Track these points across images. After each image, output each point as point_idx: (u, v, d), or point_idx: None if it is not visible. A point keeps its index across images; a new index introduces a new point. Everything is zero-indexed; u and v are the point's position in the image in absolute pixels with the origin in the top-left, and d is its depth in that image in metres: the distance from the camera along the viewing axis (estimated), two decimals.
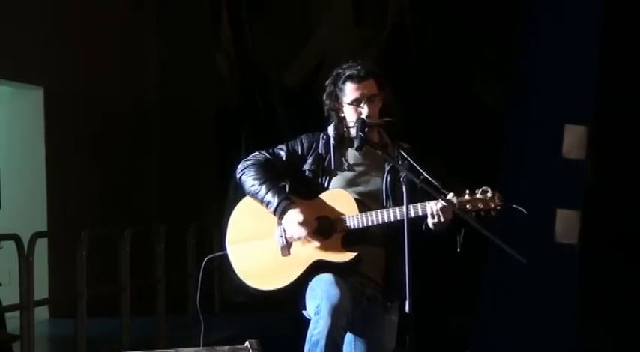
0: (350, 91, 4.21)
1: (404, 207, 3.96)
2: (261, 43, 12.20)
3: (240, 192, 4.32)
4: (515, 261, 4.01)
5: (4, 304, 7.60)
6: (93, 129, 11.14)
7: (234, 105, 12.66)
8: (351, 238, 4.11)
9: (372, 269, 4.17)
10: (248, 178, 4.22)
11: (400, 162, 4.15)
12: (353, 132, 4.21)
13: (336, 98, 4.25)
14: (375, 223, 4.09)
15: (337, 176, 4.22)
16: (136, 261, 8.30)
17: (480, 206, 4.01)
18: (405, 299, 3.89)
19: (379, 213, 4.08)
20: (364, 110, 4.19)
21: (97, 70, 11.25)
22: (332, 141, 4.24)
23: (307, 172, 4.24)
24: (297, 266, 4.12)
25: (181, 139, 12.53)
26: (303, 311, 4.18)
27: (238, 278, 4.19)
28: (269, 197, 4.15)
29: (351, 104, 4.21)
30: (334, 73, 4.28)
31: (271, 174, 4.22)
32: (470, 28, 11.60)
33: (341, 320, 3.94)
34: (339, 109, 4.26)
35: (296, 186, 4.24)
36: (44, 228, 9.98)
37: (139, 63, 12.24)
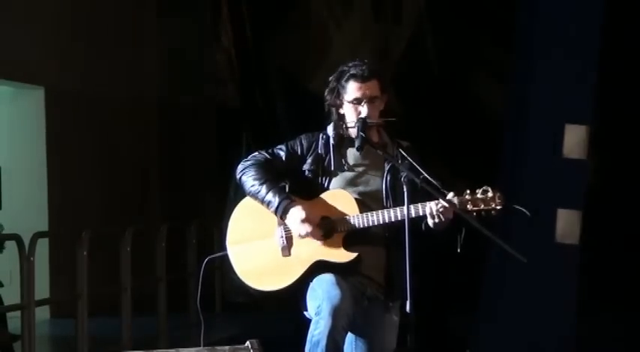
0: (352, 90, 4.21)
1: (405, 207, 3.96)
2: (262, 42, 12.20)
3: (240, 192, 4.32)
4: (516, 260, 4.01)
5: (5, 304, 7.60)
6: (94, 128, 11.14)
7: (234, 104, 12.65)
8: (351, 238, 4.11)
9: (372, 269, 4.16)
10: (248, 178, 4.22)
11: (400, 162, 4.15)
12: (352, 131, 4.21)
13: (337, 95, 4.25)
14: (376, 223, 4.09)
15: (337, 176, 4.22)
16: (137, 261, 8.30)
17: (481, 206, 4.01)
18: (406, 299, 3.88)
19: (380, 213, 4.08)
20: (363, 110, 4.19)
21: (98, 69, 11.25)
22: (331, 141, 4.24)
23: (307, 172, 4.24)
24: (297, 266, 4.12)
25: (182, 139, 12.53)
26: (304, 312, 4.18)
27: (239, 278, 4.19)
28: (270, 196, 4.15)
29: (352, 102, 4.21)
30: (339, 70, 4.28)
31: (271, 174, 4.22)
32: (470, 28, 11.59)
33: (342, 321, 3.94)
34: (339, 106, 4.26)
35: (296, 187, 4.24)
36: (45, 228, 9.98)
37: (140, 62, 12.24)
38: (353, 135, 4.20)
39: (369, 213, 4.09)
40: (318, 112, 4.41)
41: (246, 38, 12.33)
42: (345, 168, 4.24)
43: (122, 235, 8.18)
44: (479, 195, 4.02)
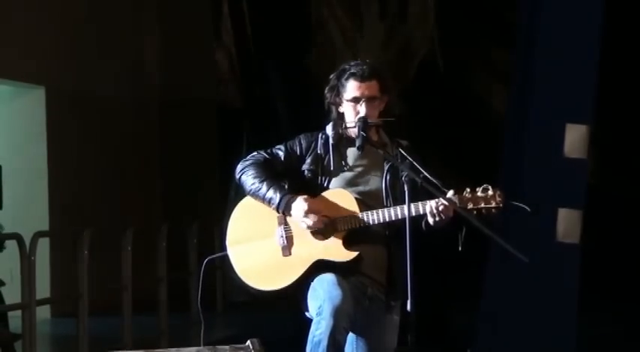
0: (351, 89, 4.22)
1: (405, 206, 3.96)
2: (262, 42, 12.20)
3: (241, 192, 4.32)
4: (517, 260, 4.01)
5: (6, 303, 7.61)
6: (94, 128, 11.15)
7: (235, 104, 12.66)
8: (352, 238, 4.11)
9: (373, 268, 4.16)
10: (248, 177, 4.22)
11: (400, 161, 4.15)
12: (352, 131, 4.21)
13: (337, 93, 4.25)
14: (376, 222, 4.09)
15: (337, 176, 4.22)
16: (138, 261, 8.30)
17: (481, 204, 4.01)
18: (407, 298, 3.88)
19: (380, 212, 4.08)
20: (362, 110, 4.19)
21: (98, 69, 11.25)
22: (331, 141, 4.24)
23: (306, 172, 4.24)
24: (298, 266, 4.12)
25: (183, 138, 12.54)
26: (305, 313, 4.17)
27: (239, 278, 4.19)
28: (270, 193, 4.15)
29: (350, 101, 4.22)
30: (340, 68, 4.28)
31: (271, 172, 4.22)
32: (470, 27, 11.59)
33: (343, 321, 3.94)
34: (338, 104, 4.27)
35: (295, 187, 4.23)
36: (46, 227, 9.99)
37: (140, 61, 12.24)
38: (353, 135, 4.20)
39: (369, 212, 4.09)
40: (318, 112, 4.41)
41: (246, 37, 12.33)
42: (345, 167, 4.24)
43: (123, 234, 8.19)
44: (479, 194, 4.03)
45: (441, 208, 3.99)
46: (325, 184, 4.22)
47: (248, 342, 3.82)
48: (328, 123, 4.28)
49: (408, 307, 3.88)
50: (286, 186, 4.23)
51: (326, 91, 4.29)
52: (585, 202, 7.34)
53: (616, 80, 9.72)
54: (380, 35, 12.15)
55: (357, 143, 4.13)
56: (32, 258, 6.91)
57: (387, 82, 4.27)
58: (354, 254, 4.08)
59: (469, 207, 4.01)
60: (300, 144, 4.28)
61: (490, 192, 4.02)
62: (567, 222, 7.26)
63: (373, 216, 4.08)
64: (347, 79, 4.22)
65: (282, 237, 4.16)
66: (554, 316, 7.24)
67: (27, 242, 6.95)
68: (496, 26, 11.17)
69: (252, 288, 4.16)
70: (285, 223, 4.16)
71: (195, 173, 12.57)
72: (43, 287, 8.28)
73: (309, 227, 4.10)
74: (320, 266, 4.09)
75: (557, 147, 7.29)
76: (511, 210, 4.08)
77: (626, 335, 8.33)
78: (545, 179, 7.32)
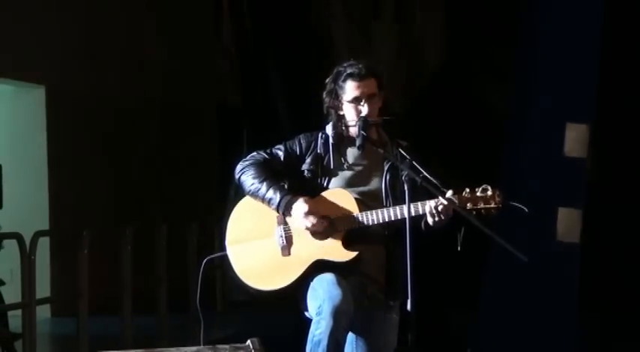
0: (350, 89, 4.21)
1: (405, 206, 3.96)
2: (263, 41, 12.20)
3: (241, 192, 4.32)
4: (517, 259, 4.01)
5: (6, 303, 7.61)
6: (94, 127, 11.14)
7: (235, 103, 12.66)
8: (351, 237, 4.11)
9: (373, 268, 4.17)
10: (248, 177, 4.22)
11: (400, 161, 4.15)
12: (352, 130, 4.21)
13: (335, 96, 4.25)
14: (376, 222, 4.09)
15: (336, 176, 4.22)
16: (138, 260, 8.30)
17: (480, 204, 4.01)
18: (407, 298, 3.88)
19: (380, 212, 4.08)
20: (364, 109, 4.19)
21: (99, 68, 11.25)
22: (331, 141, 4.24)
23: (306, 172, 4.24)
24: (297, 266, 4.11)
25: (183, 137, 12.54)
26: (305, 312, 4.17)
27: (238, 277, 4.19)
28: (270, 194, 4.15)
29: (351, 102, 4.21)
30: (335, 71, 4.28)
31: (271, 172, 4.22)
32: (470, 26, 11.59)
33: (343, 321, 3.94)
34: (338, 107, 4.26)
35: (295, 187, 4.23)
36: (46, 226, 9.98)
37: (141, 61, 12.24)
38: (353, 135, 4.20)
39: (368, 212, 4.09)
40: (318, 112, 4.41)
41: (247, 37, 12.33)
42: (345, 167, 4.24)
43: (123, 234, 8.19)
44: (478, 194, 4.03)
45: (440, 208, 3.99)
46: (325, 184, 4.22)
47: (248, 342, 3.82)
48: (328, 123, 4.29)
49: (408, 307, 3.88)
50: (286, 186, 4.23)
51: (324, 95, 4.29)
52: (585, 201, 7.35)
53: (617, 80, 9.72)
54: (381, 35, 12.15)
55: (357, 142, 4.13)
56: (32, 257, 6.92)
57: (382, 79, 4.28)
58: (353, 254, 4.08)
59: (468, 207, 4.01)
60: (300, 144, 4.27)
61: (489, 192, 4.03)
62: (567, 221, 7.27)
63: (372, 216, 4.08)
64: (344, 81, 4.22)
65: (281, 236, 4.16)
66: (553, 315, 7.25)
67: (27, 241, 6.95)
68: (497, 26, 11.18)
69: (252, 288, 4.16)
70: (285, 223, 4.16)
71: (195, 173, 12.58)
72: (43, 287, 8.27)
73: (308, 229, 4.10)
74: (319, 266, 4.09)
75: (558, 147, 7.30)
76: (510, 209, 4.08)
77: (626, 335, 8.33)
78: (546, 178, 7.33)
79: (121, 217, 10.69)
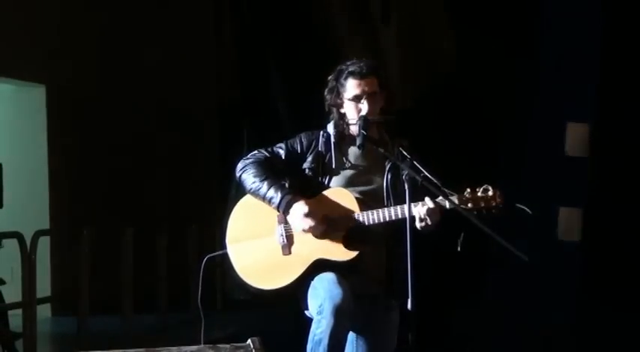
0: (351, 87, 4.21)
1: (405, 206, 3.96)
2: (263, 40, 12.19)
3: (241, 190, 4.31)
4: (518, 259, 4.01)
5: (6, 302, 7.61)
6: (94, 127, 11.14)
7: (235, 102, 12.64)
8: (352, 237, 4.10)
9: (373, 267, 4.16)
10: (249, 176, 4.22)
11: (401, 160, 4.14)
12: (353, 129, 4.21)
13: (337, 94, 4.25)
14: (377, 221, 4.08)
15: (338, 174, 4.22)
16: (138, 259, 8.31)
17: (481, 204, 4.01)
18: (407, 297, 3.88)
19: (380, 212, 4.08)
20: (364, 107, 4.19)
21: (99, 67, 11.25)
22: (332, 139, 4.24)
23: (307, 171, 4.24)
24: (298, 265, 4.11)
25: (183, 137, 12.53)
26: (306, 312, 4.17)
27: (239, 276, 4.19)
28: (271, 193, 4.15)
29: (352, 100, 4.21)
30: (337, 69, 4.28)
31: (272, 171, 4.22)
32: (470, 25, 11.57)
33: (344, 320, 3.94)
34: (339, 105, 4.26)
35: (296, 185, 4.23)
36: (46, 226, 9.98)
37: (140, 60, 12.23)
38: (354, 133, 4.20)
39: (369, 212, 4.09)
40: (319, 112, 4.41)
41: (247, 36, 12.32)
42: (346, 166, 4.24)
43: (123, 233, 8.19)
44: (479, 194, 4.02)
45: (426, 211, 3.98)
46: (326, 182, 4.21)
47: (249, 341, 3.82)
48: (329, 122, 4.29)
49: (409, 306, 3.88)
50: (287, 185, 4.22)
51: (325, 93, 4.29)
52: (586, 201, 7.35)
53: (617, 79, 9.70)
54: (383, 35, 12.13)
55: (358, 141, 4.13)
56: (33, 256, 6.92)
57: (384, 78, 4.27)
58: (354, 253, 4.08)
59: (469, 207, 4.00)
60: (301, 143, 4.27)
61: (490, 193, 4.02)
62: (568, 221, 7.27)
63: (373, 216, 4.08)
64: (346, 79, 4.22)
65: (282, 235, 4.16)
66: (555, 313, 7.25)
67: (28, 240, 6.95)
68: (498, 26, 11.16)
69: (252, 287, 4.16)
70: (286, 222, 4.16)
71: (195, 171, 12.57)
72: (43, 286, 8.29)
73: (305, 231, 4.10)
74: (320, 266, 4.09)
75: (559, 146, 7.31)
76: (511, 209, 4.07)
77: (628, 333, 8.32)
78: (547, 177, 7.33)
79: (122, 216, 10.69)
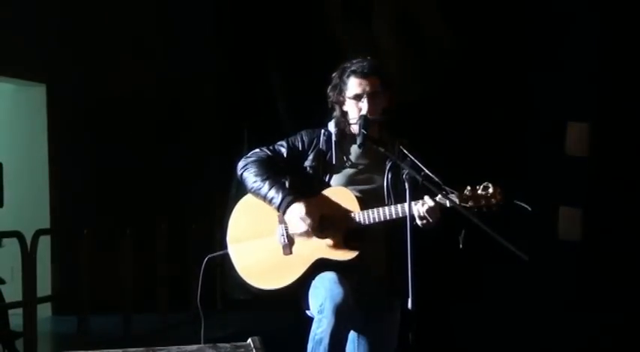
0: (352, 85, 4.22)
1: (406, 205, 3.96)
2: (263, 39, 12.19)
3: (242, 190, 4.31)
4: (518, 258, 4.00)
5: (6, 301, 7.61)
6: (95, 126, 11.14)
7: (235, 101, 12.64)
8: (352, 236, 4.10)
9: (374, 267, 4.16)
10: (250, 175, 4.22)
11: (401, 159, 4.14)
12: (354, 128, 4.21)
13: (339, 91, 4.25)
14: (377, 220, 4.08)
15: (338, 173, 4.22)
16: (138, 258, 8.31)
17: (482, 202, 4.01)
18: (408, 296, 3.88)
19: (381, 211, 4.07)
20: (364, 106, 4.19)
21: (99, 67, 11.25)
22: (333, 138, 4.25)
23: (308, 169, 4.24)
24: (299, 264, 4.11)
25: (183, 135, 12.53)
26: (306, 311, 4.17)
27: (239, 276, 4.19)
28: (272, 193, 4.15)
29: (353, 99, 4.22)
30: (341, 67, 4.29)
31: (273, 170, 4.22)
32: (471, 25, 11.57)
33: (344, 320, 3.94)
34: (341, 103, 4.26)
35: (296, 183, 4.23)
36: (47, 225, 9.98)
37: (141, 60, 12.23)
38: (355, 132, 4.20)
39: (369, 211, 4.09)
40: (319, 110, 4.41)
41: (247, 35, 12.32)
42: (347, 164, 4.24)
43: (124, 232, 8.19)
44: (480, 192, 4.02)
45: (426, 209, 3.98)
46: (327, 181, 4.21)
47: (249, 340, 3.82)
48: (330, 121, 4.29)
49: (409, 305, 3.87)
50: (287, 184, 4.22)
51: (329, 90, 4.30)
52: (586, 200, 7.35)
53: (618, 78, 9.71)
54: (383, 34, 12.13)
55: (358, 141, 4.13)
56: (33, 255, 6.92)
57: (388, 78, 4.27)
58: (354, 253, 4.08)
59: (470, 205, 4.00)
60: (302, 140, 4.27)
61: (491, 190, 4.02)
62: (568, 220, 7.28)
63: (373, 215, 4.08)
64: (348, 77, 4.23)
65: (283, 235, 4.16)
66: (555, 312, 7.25)
67: (28, 240, 6.95)
68: (497, 25, 11.17)
69: (253, 287, 4.16)
70: (286, 222, 4.16)
71: (195, 171, 12.56)
72: (43, 285, 8.29)
73: (301, 233, 4.10)
74: (321, 265, 4.09)
75: (559, 145, 7.31)
76: (511, 208, 4.07)
77: (626, 333, 8.33)
78: (547, 177, 7.34)
79: (122, 215, 10.69)
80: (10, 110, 10.55)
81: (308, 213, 4.08)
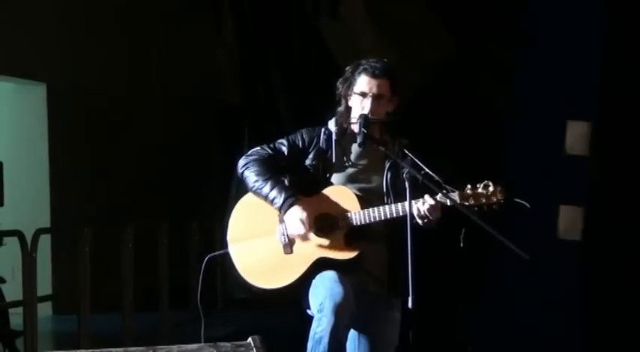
0: (361, 83, 4.22)
1: (406, 203, 3.96)
2: (264, 38, 12.19)
3: (242, 189, 4.31)
4: (519, 257, 4.00)
5: (7, 300, 7.61)
6: (95, 125, 11.14)
7: (236, 100, 12.66)
8: (353, 235, 4.10)
9: (374, 265, 4.16)
10: (251, 174, 4.21)
11: (401, 159, 4.14)
12: (355, 127, 4.21)
13: (349, 85, 4.26)
14: (377, 219, 4.08)
15: (339, 171, 4.22)
16: (139, 258, 8.31)
17: (482, 200, 4.01)
18: (408, 295, 3.88)
19: (381, 210, 4.07)
20: (366, 105, 4.19)
21: (99, 66, 11.25)
22: (334, 136, 4.25)
23: (309, 167, 4.24)
24: (299, 264, 4.11)
25: (183, 135, 12.53)
26: (307, 310, 4.17)
27: (240, 275, 4.18)
28: (274, 193, 4.14)
29: (358, 95, 4.22)
30: (356, 62, 4.29)
31: (275, 170, 4.22)
32: (471, 24, 11.58)
33: (344, 318, 3.94)
34: (348, 97, 4.27)
35: (296, 181, 4.23)
36: (47, 224, 9.99)
37: (141, 59, 12.23)
38: (356, 131, 4.20)
39: (370, 210, 4.09)
40: (319, 110, 4.41)
41: (248, 35, 12.33)
42: (347, 163, 4.24)
43: (124, 232, 8.19)
44: (480, 190, 4.02)
45: (426, 208, 3.98)
46: (327, 179, 4.21)
47: (249, 339, 3.82)
48: (330, 119, 4.29)
49: (410, 304, 3.87)
50: (287, 182, 4.22)
51: (339, 82, 4.30)
52: (587, 199, 7.35)
53: (618, 77, 9.71)
54: (381, 35, 12.13)
55: (358, 140, 4.13)
56: (33, 254, 6.92)
57: (399, 83, 4.26)
58: (354, 252, 4.08)
59: (470, 204, 4.00)
60: (303, 139, 4.27)
61: (491, 188, 4.02)
62: (569, 219, 7.27)
63: (374, 213, 4.08)
64: (359, 73, 4.23)
65: (283, 234, 4.15)
66: (556, 313, 7.25)
67: (28, 239, 6.95)
68: (497, 24, 11.17)
69: (254, 286, 4.15)
70: (285, 222, 4.16)
71: (196, 170, 12.57)
72: (44, 284, 8.29)
73: (294, 236, 4.10)
74: (321, 264, 4.09)
75: (559, 144, 7.30)
76: (512, 206, 4.07)
77: (628, 333, 8.33)
78: (547, 176, 7.33)
79: (122, 215, 10.69)
80: (10, 109, 10.55)
81: (306, 215, 4.08)
